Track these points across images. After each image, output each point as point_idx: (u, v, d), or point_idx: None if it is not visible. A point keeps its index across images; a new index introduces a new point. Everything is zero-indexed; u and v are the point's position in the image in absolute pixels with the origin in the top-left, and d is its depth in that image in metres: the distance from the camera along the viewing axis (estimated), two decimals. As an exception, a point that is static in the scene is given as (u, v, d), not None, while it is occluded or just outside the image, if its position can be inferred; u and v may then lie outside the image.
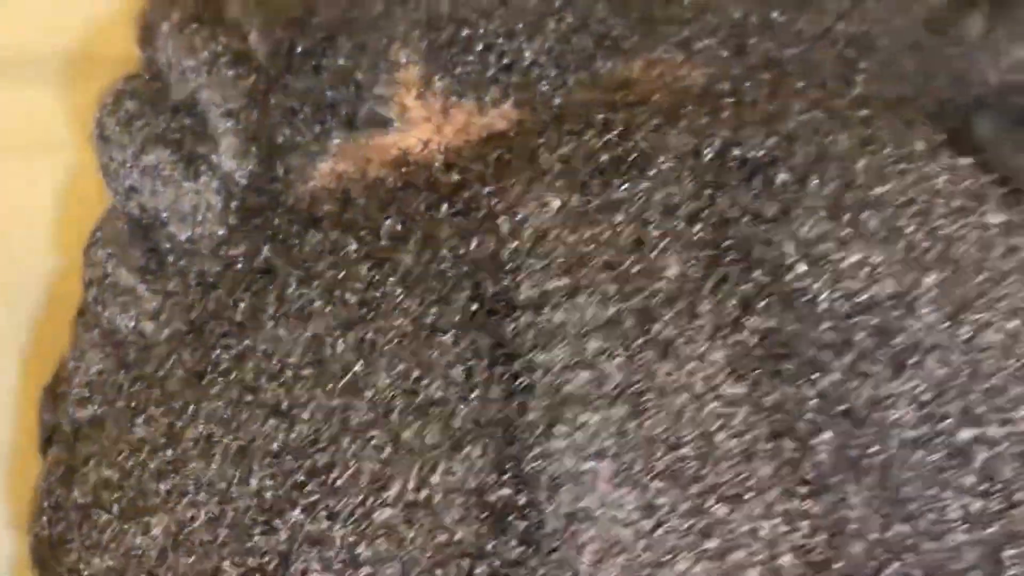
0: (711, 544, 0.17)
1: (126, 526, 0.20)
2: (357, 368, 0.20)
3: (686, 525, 0.17)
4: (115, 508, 0.20)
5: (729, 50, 0.26)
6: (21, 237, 0.46)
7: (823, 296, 0.19)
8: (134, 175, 0.23)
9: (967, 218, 0.20)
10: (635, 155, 0.21)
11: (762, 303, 0.19)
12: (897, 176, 0.20)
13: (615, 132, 0.22)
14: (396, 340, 0.20)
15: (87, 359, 0.24)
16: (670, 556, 0.17)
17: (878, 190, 0.20)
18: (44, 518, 0.23)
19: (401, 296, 0.21)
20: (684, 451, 0.17)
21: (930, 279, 0.19)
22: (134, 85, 0.24)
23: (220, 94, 0.24)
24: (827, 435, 0.18)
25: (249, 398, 0.20)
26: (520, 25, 0.26)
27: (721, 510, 0.17)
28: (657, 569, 0.17)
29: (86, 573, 0.20)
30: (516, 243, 0.20)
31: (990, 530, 0.17)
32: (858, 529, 0.18)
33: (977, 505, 0.17)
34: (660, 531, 0.17)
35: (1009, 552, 0.17)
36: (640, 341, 0.18)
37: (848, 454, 0.19)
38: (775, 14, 0.26)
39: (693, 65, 0.26)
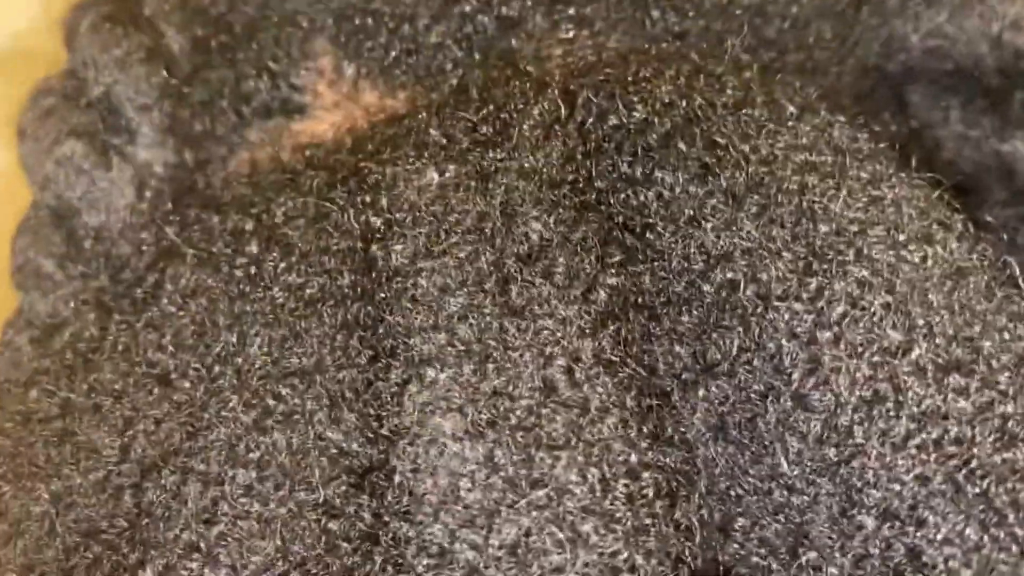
0: (539, 493, 0.17)
1: (18, 490, 0.21)
2: (231, 338, 0.20)
3: (518, 475, 0.17)
4: (9, 474, 0.21)
5: (630, 25, 0.26)
6: None
7: (679, 252, 0.19)
8: (48, 166, 0.24)
9: (827, 174, 0.20)
10: (509, 127, 0.22)
11: (618, 261, 0.19)
12: (762, 136, 0.20)
13: (492, 105, 0.22)
14: (272, 312, 0.21)
15: (11, 345, 0.25)
16: (502, 506, 0.17)
17: (739, 148, 0.20)
18: None
19: (284, 270, 0.21)
20: (523, 403, 0.18)
21: (782, 232, 0.19)
22: (52, 82, 0.25)
23: (133, 89, 0.25)
24: (695, 393, 0.19)
25: (139, 370, 0.21)
26: (425, 10, 0.26)
27: (551, 460, 0.17)
28: (491, 518, 0.17)
29: None
30: (391, 215, 0.21)
31: (832, 481, 0.17)
32: (720, 486, 0.18)
33: (820, 454, 0.17)
34: (495, 481, 0.17)
35: (847, 504, 0.17)
36: (492, 302, 0.19)
37: (715, 410, 0.19)
38: None
39: (594, 41, 0.26)
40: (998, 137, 0.27)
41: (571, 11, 0.26)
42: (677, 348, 0.19)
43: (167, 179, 0.26)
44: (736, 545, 0.18)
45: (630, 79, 0.23)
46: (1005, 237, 0.23)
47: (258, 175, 0.25)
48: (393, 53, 0.26)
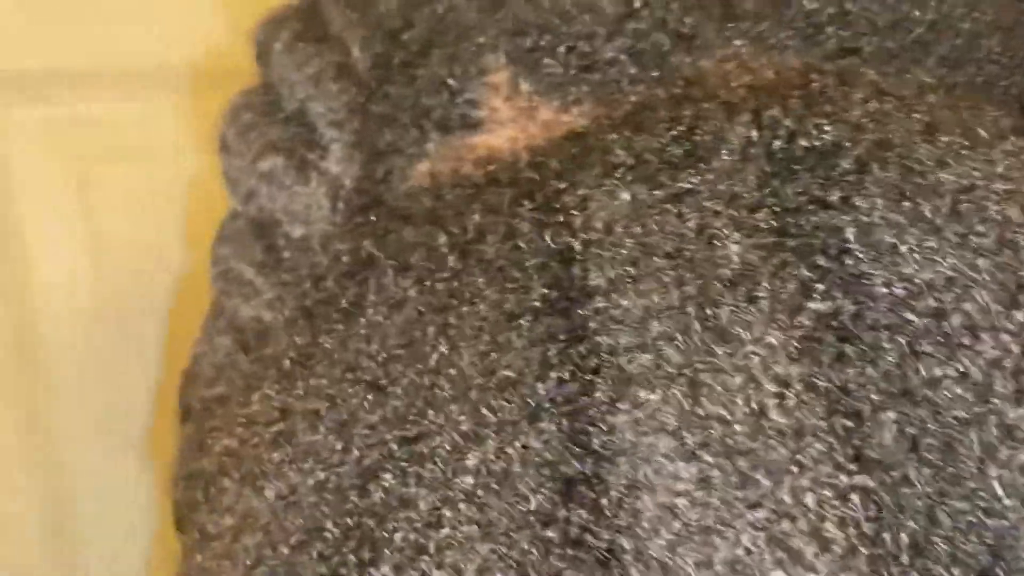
0: (758, 514, 0.18)
1: (245, 490, 0.22)
2: (443, 349, 0.22)
3: (735, 496, 0.18)
4: (235, 474, 0.23)
5: (803, 41, 0.27)
6: (152, 235, 0.51)
7: (880, 280, 0.20)
8: (252, 181, 0.26)
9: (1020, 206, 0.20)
10: (701, 149, 0.23)
11: (821, 287, 0.20)
12: (957, 162, 0.21)
13: (683, 127, 0.23)
14: (478, 325, 0.22)
15: (214, 344, 0.27)
16: (720, 524, 0.18)
17: (936, 177, 0.21)
18: (180, 485, 0.26)
19: (483, 285, 0.23)
20: (736, 427, 0.19)
21: (985, 263, 0.19)
22: (250, 99, 0.27)
23: (326, 106, 0.27)
24: (885, 415, 0.19)
25: (351, 376, 0.22)
26: (600, 27, 0.27)
27: (768, 483, 0.18)
28: (708, 535, 0.18)
29: (212, 531, 0.23)
30: (587, 235, 0.22)
31: None
32: (914, 506, 0.19)
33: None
34: (712, 501, 0.18)
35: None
36: (699, 325, 0.20)
37: (907, 433, 0.19)
38: (849, 4, 0.27)
39: (768, 57, 0.26)
40: None
41: (744, 26, 0.27)
42: (871, 371, 0.20)
43: (356, 191, 0.27)
44: (930, 563, 0.19)
45: (817, 99, 0.23)
46: None
47: (441, 188, 0.27)
48: (569, 69, 0.27)
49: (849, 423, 0.19)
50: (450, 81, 0.28)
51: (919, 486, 0.19)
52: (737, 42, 0.27)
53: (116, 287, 0.50)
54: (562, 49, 0.27)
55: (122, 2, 0.49)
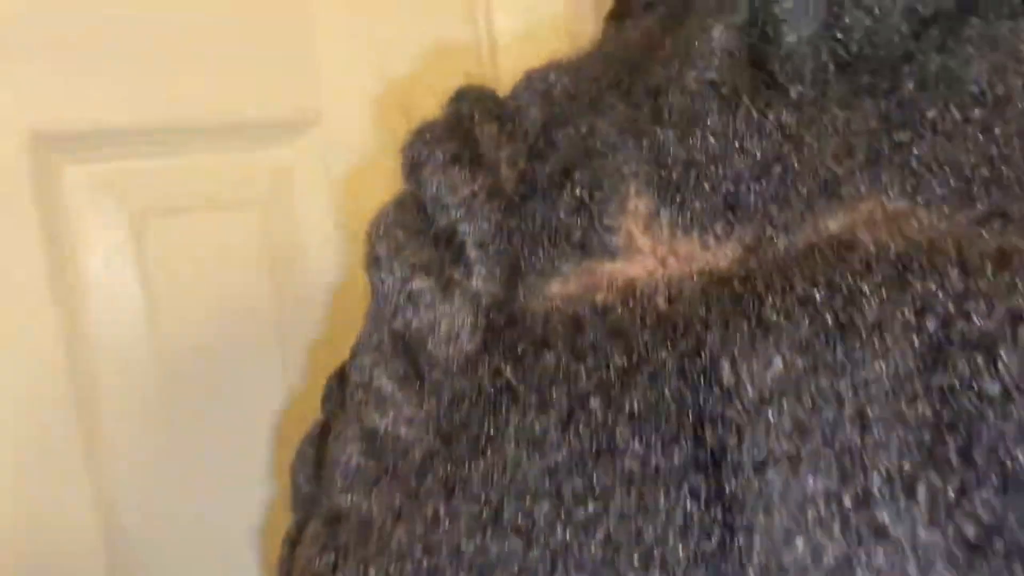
0: None
1: None
2: (590, 507, 0.22)
3: None
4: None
5: (956, 200, 0.27)
6: (225, 280, 0.51)
7: None
8: (401, 299, 0.27)
9: None
10: (858, 322, 0.23)
11: (982, 490, 0.20)
12: None
13: (842, 295, 0.23)
14: (625, 480, 0.22)
15: (348, 450, 0.27)
16: None
17: None
18: None
19: (629, 437, 0.23)
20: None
21: None
22: (402, 216, 0.28)
23: (476, 227, 0.27)
24: None
25: (493, 516, 0.23)
26: (747, 168, 0.27)
27: None
28: None
29: None
30: (740, 401, 0.22)
31: None
32: None
33: None
34: None
35: None
36: (856, 519, 0.20)
37: None
38: (1003, 167, 0.26)
39: (917, 215, 0.27)
40: None
41: (896, 180, 0.27)
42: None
43: (495, 307, 0.28)
44: None
45: (973, 278, 0.23)
46: None
47: (579, 313, 0.27)
48: (713, 206, 0.27)
49: None
50: (588, 203, 0.28)
51: None
52: (887, 194, 0.27)
53: (178, 334, 0.51)
54: (707, 185, 0.28)
55: (177, 58, 0.49)
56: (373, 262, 0.27)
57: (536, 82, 0.32)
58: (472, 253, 0.27)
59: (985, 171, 0.27)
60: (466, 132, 0.29)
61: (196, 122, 0.51)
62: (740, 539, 0.21)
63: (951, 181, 0.27)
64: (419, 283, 0.27)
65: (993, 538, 0.20)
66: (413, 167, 0.28)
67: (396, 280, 0.27)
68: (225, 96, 0.52)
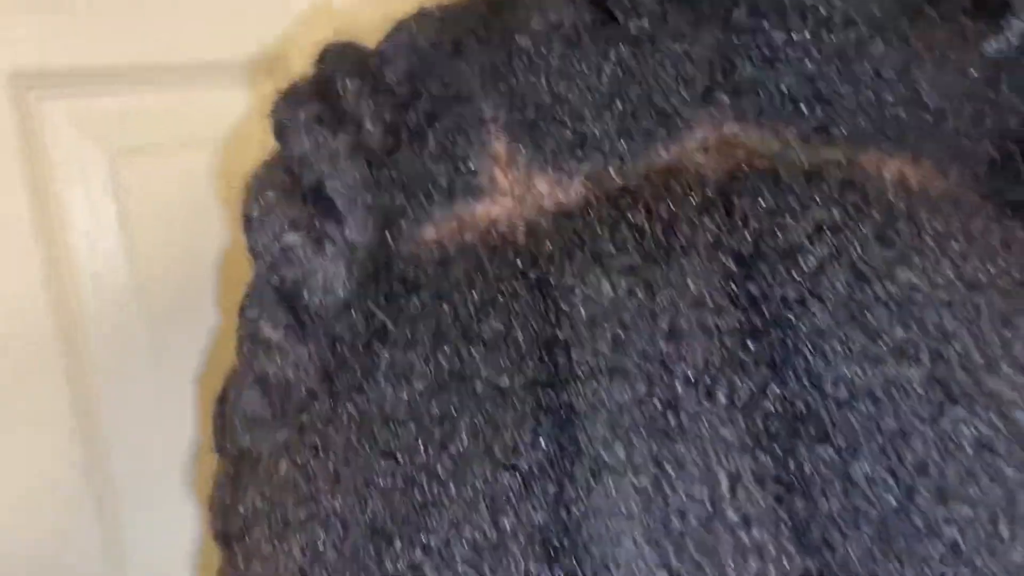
0: None
1: (274, 542, 0.26)
2: (445, 425, 0.25)
3: None
4: (265, 528, 0.26)
5: (784, 119, 0.29)
6: (201, 218, 0.53)
7: (829, 380, 0.23)
8: (274, 255, 0.29)
9: (964, 315, 0.22)
10: (677, 246, 0.25)
11: (775, 388, 0.23)
12: (906, 269, 0.23)
13: (662, 221, 0.26)
14: (474, 402, 0.25)
15: (244, 397, 0.30)
16: None
17: (884, 284, 0.23)
18: (218, 519, 0.30)
19: (480, 363, 0.26)
20: (692, 517, 0.22)
21: (917, 373, 0.22)
22: (271, 175, 0.30)
23: (342, 182, 0.29)
24: (829, 504, 0.22)
25: (367, 444, 0.26)
26: (591, 105, 0.29)
27: (718, 568, 0.21)
28: None
29: (249, 573, 0.27)
30: (572, 325, 0.25)
31: None
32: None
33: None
34: (670, 582, 0.21)
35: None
36: (664, 421, 0.23)
37: (847, 519, 0.22)
38: (822, 85, 0.28)
39: (748, 136, 0.29)
40: None
41: (725, 101, 0.29)
42: (818, 465, 0.22)
43: (368, 256, 0.30)
44: None
45: (784, 197, 0.25)
46: None
47: (447, 258, 0.29)
48: (562, 144, 0.29)
49: (796, 512, 0.22)
50: (453, 149, 0.30)
51: (857, 565, 0.22)
52: (722, 120, 0.29)
53: (157, 271, 0.53)
54: (557, 124, 0.29)
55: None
56: (246, 223, 0.29)
57: (403, 33, 0.33)
58: (342, 206, 0.29)
59: (809, 90, 0.29)
60: (328, 90, 0.30)
61: (174, 60, 0.53)
62: (573, 446, 0.23)
63: (778, 101, 0.29)
64: (291, 239, 0.29)
65: (785, 431, 0.22)
66: (279, 129, 0.30)
67: (269, 238, 0.29)
68: (203, 34, 0.53)
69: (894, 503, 0.21)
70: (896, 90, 0.29)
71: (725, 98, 0.29)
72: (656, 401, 0.23)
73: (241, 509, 0.28)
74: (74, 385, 0.51)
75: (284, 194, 0.29)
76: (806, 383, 0.23)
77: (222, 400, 0.34)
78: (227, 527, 0.29)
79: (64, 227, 0.50)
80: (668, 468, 0.22)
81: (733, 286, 0.24)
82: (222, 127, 0.55)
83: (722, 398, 0.23)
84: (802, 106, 0.29)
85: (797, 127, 0.29)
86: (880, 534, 0.22)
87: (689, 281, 0.24)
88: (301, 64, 0.32)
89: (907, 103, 0.29)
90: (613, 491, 0.22)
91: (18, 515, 0.49)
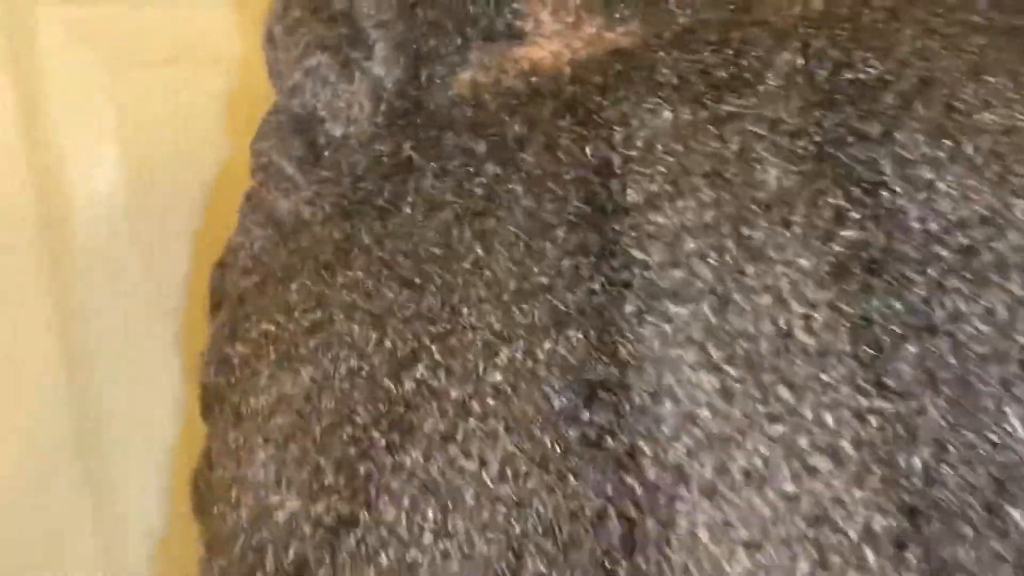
0: (777, 428, 0.19)
1: (280, 372, 0.23)
2: (479, 251, 0.22)
3: (756, 409, 0.19)
4: (272, 357, 0.24)
5: None
6: (194, 132, 0.51)
7: (915, 214, 0.20)
8: (297, 75, 0.26)
9: None
10: (747, 73, 0.23)
11: (855, 216, 0.21)
12: (1001, 103, 0.21)
13: (730, 50, 0.23)
14: (513, 232, 0.22)
15: (251, 235, 0.27)
16: (739, 435, 0.19)
17: (979, 117, 0.21)
18: (211, 369, 0.27)
19: (521, 193, 0.23)
20: (762, 344, 0.19)
21: (1021, 203, 0.20)
22: None
23: (374, 6, 0.27)
24: (907, 346, 0.20)
25: (387, 272, 0.23)
26: None
27: (790, 399, 0.19)
28: (726, 443, 0.19)
29: (245, 411, 0.24)
30: (627, 151, 0.22)
31: None
32: (928, 435, 0.20)
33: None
34: (733, 412, 0.19)
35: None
36: (732, 245, 0.20)
37: (927, 365, 0.20)
38: None
39: None
40: None
41: None
42: (896, 303, 0.20)
43: (398, 94, 0.27)
44: (939, 489, 0.20)
45: (866, 34, 0.23)
46: None
47: (483, 98, 0.27)
48: None
49: (872, 350, 0.20)
50: None
51: (934, 417, 0.20)
52: None
53: (148, 184, 0.51)
54: None
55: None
56: (268, 39, 0.27)
57: None
58: (372, 34, 0.27)
59: None
60: None
61: None
62: (623, 276, 0.21)
63: None
64: (316, 58, 0.26)
65: (864, 262, 0.20)
66: None
67: (292, 56, 0.26)
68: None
69: (986, 348, 0.19)
70: None
71: None
72: (722, 225, 0.21)
73: (240, 347, 0.25)
74: (60, 300, 0.49)
75: (312, 14, 0.27)
76: (890, 217, 0.20)
77: (221, 264, 0.32)
78: (223, 375, 0.27)
79: (56, 138, 0.48)
80: (736, 294, 0.20)
81: (814, 113, 0.22)
82: (220, 44, 0.53)
83: (798, 225, 0.20)
84: None
85: None
86: (964, 386, 0.19)
87: (764, 105, 0.22)
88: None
89: None
90: (671, 319, 0.20)
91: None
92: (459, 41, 0.28)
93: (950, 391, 0.20)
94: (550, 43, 0.27)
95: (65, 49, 0.49)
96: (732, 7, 0.25)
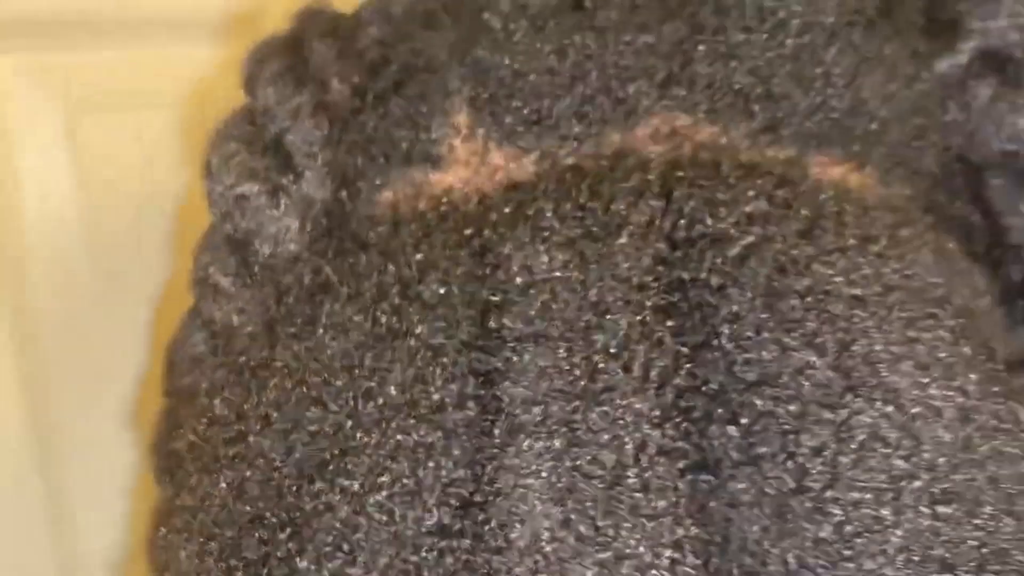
0: (604, 555, 0.22)
1: (204, 477, 0.27)
2: (376, 377, 0.26)
3: (588, 537, 0.22)
4: (198, 463, 0.27)
5: (735, 116, 0.30)
6: (157, 179, 0.53)
7: (740, 362, 0.24)
8: (229, 203, 0.30)
9: (873, 312, 0.23)
10: (613, 223, 0.26)
11: (688, 365, 0.24)
12: (823, 265, 0.24)
13: (601, 200, 0.27)
14: (407, 358, 0.26)
15: (191, 340, 0.31)
16: (572, 560, 0.22)
17: (802, 279, 0.24)
18: (158, 455, 0.31)
19: (417, 321, 0.26)
20: (597, 481, 0.23)
21: (822, 362, 0.23)
22: (234, 126, 0.31)
23: (302, 136, 0.30)
24: (733, 480, 0.23)
25: (299, 390, 0.27)
26: (552, 87, 0.30)
27: (615, 530, 0.22)
28: (563, 567, 0.22)
29: (176, 505, 0.28)
30: (507, 291, 0.26)
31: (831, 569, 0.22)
32: (739, 548, 0.23)
33: (825, 550, 0.22)
34: (569, 539, 0.22)
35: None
36: (581, 389, 0.24)
37: (751, 493, 0.23)
38: (776, 87, 0.30)
39: (700, 129, 0.30)
40: None
41: (680, 95, 0.30)
42: (725, 441, 0.23)
43: (324, 214, 0.31)
44: None
45: (720, 187, 0.27)
46: None
47: (397, 220, 0.30)
48: (520, 121, 0.30)
49: (699, 486, 0.23)
50: (415, 116, 0.31)
51: (752, 542, 0.23)
52: (675, 109, 0.30)
53: (106, 229, 0.53)
54: (518, 102, 0.30)
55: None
56: (206, 170, 0.30)
57: (379, 1, 0.34)
58: (301, 162, 0.30)
59: (760, 89, 0.30)
60: (298, 46, 0.31)
61: (133, 15, 0.51)
62: (494, 406, 0.24)
63: (731, 98, 0.30)
64: (247, 188, 0.29)
65: (697, 409, 0.24)
66: (248, 80, 0.31)
67: (226, 186, 0.30)
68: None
69: (791, 484, 0.23)
70: (844, 97, 0.30)
71: (681, 91, 0.30)
72: (575, 369, 0.24)
73: (177, 444, 0.29)
74: (21, 341, 0.50)
75: (245, 144, 0.30)
76: (720, 365, 0.24)
77: (169, 349, 0.35)
78: (164, 462, 0.30)
79: (15, 183, 0.49)
80: (579, 433, 0.23)
81: (661, 267, 0.25)
82: (181, 85, 0.54)
83: (637, 371, 0.24)
84: (753, 105, 0.30)
85: (746, 125, 0.30)
86: (776, 513, 0.23)
87: (620, 258, 0.25)
88: (276, 24, 0.33)
89: (854, 110, 0.30)
90: (525, 451, 0.23)
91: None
92: (382, 163, 0.31)
93: (767, 519, 0.23)
94: (462, 170, 0.31)
95: (25, 95, 0.50)
96: (611, 153, 0.29)
